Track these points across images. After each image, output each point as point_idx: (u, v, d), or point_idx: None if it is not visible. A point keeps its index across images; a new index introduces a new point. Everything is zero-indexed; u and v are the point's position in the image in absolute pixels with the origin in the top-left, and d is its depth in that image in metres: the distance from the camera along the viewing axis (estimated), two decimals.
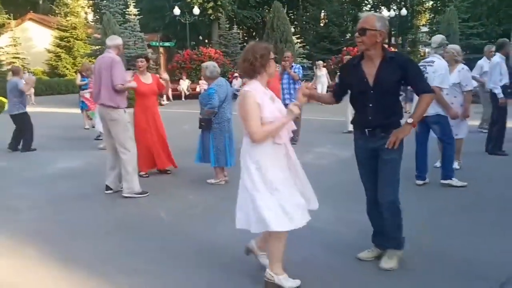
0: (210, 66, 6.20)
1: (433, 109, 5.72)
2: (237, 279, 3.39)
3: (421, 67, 5.79)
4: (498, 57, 7.77)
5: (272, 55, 3.15)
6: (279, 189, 3.01)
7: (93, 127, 10.22)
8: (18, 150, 9.34)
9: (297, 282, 3.20)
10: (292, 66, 9.26)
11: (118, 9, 24.28)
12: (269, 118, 3.00)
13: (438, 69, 5.79)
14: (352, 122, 3.59)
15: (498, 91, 7.65)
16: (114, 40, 5.97)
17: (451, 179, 5.94)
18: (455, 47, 6.74)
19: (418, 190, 5.86)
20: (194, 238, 4.29)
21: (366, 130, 3.39)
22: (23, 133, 9.42)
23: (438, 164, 6.80)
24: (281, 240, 3.11)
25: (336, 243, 4.05)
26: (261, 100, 3.01)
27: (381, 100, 3.28)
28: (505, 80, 7.72)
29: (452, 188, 5.85)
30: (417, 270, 3.54)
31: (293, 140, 9.32)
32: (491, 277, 3.37)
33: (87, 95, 10.61)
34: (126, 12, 24.48)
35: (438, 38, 6.09)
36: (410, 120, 3.28)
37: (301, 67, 9.65)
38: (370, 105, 3.31)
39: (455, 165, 6.43)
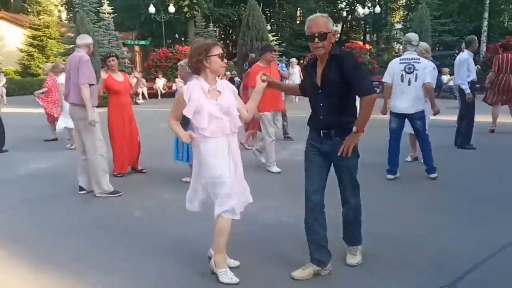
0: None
1: (421, 105, 5.99)
2: (210, 276, 3.43)
3: (406, 64, 5.97)
4: (466, 54, 7.97)
5: (215, 52, 3.21)
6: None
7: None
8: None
9: (235, 280, 3.27)
10: (278, 64, 9.40)
11: (92, 8, 23.96)
12: (187, 115, 3.22)
13: (426, 65, 6.05)
14: (308, 123, 3.49)
15: (465, 87, 7.85)
16: (84, 39, 5.92)
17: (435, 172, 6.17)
18: (423, 45, 6.90)
19: (389, 184, 6.00)
20: (167, 236, 4.32)
21: (321, 132, 3.30)
22: None
23: (409, 159, 7.00)
24: (222, 234, 3.24)
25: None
26: (188, 97, 3.20)
27: (330, 101, 3.21)
28: (473, 76, 7.93)
29: (424, 182, 6.04)
30: (392, 262, 3.65)
31: (288, 137, 9.57)
32: (460, 267, 3.50)
33: (41, 95, 10.43)
34: (100, 11, 24.19)
35: (417, 36, 6.27)
36: (355, 129, 3.17)
37: (284, 65, 9.82)
38: (321, 104, 3.28)
39: (408, 158, 7.02)
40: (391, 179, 6.16)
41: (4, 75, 23.43)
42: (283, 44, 30.23)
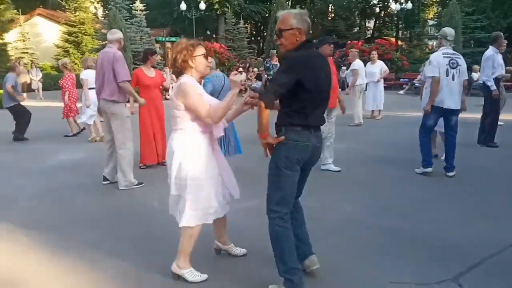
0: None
1: (459, 102, 5.98)
2: (225, 258, 3.54)
3: (450, 59, 5.89)
4: (491, 50, 7.84)
5: (199, 52, 3.21)
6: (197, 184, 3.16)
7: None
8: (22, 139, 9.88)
9: (204, 276, 3.31)
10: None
11: (125, 5, 24.49)
12: (210, 102, 3.19)
13: (464, 62, 6.05)
14: None
15: (491, 83, 7.74)
16: (115, 34, 6.03)
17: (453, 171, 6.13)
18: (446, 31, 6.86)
19: (405, 179, 6.01)
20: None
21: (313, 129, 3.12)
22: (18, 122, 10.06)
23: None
24: (192, 237, 3.26)
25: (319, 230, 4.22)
26: (195, 88, 3.16)
27: (282, 102, 3.03)
28: (498, 73, 7.79)
29: (439, 178, 6.05)
30: (395, 255, 3.71)
31: None
32: (465, 262, 3.52)
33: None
34: (133, 8, 24.69)
35: (452, 31, 6.18)
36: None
37: None
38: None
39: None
40: (429, 172, 6.16)
41: (41, 70, 24.22)
42: (314, 40, 30.09)
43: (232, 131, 6.23)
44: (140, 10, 24.53)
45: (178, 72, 3.27)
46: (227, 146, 6.11)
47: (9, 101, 10.02)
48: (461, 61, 5.95)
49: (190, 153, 3.16)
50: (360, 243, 3.99)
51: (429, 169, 6.16)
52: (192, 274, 3.31)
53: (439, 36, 6.28)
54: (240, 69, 22.60)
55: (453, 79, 5.89)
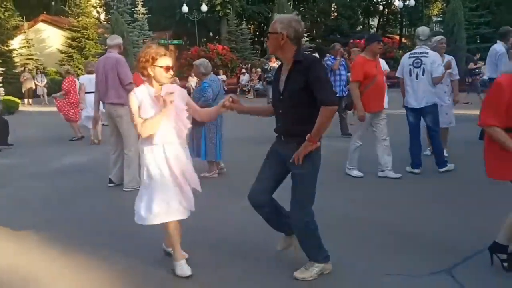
0: (204, 62, 6.49)
1: (431, 99, 6.02)
2: (225, 254, 3.65)
3: (414, 58, 6.01)
4: (501, 46, 7.57)
5: (161, 63, 3.22)
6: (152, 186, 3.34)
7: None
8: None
9: (188, 273, 3.41)
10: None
11: (126, 9, 24.68)
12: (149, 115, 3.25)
13: (435, 59, 6.05)
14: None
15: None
16: (114, 39, 6.22)
17: (447, 165, 6.18)
18: (444, 38, 6.90)
19: (403, 176, 6.06)
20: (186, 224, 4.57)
21: (282, 137, 3.25)
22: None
23: (428, 152, 6.99)
24: (168, 233, 3.47)
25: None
26: (140, 102, 3.25)
27: (290, 108, 3.09)
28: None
29: (437, 174, 6.11)
30: (387, 249, 3.81)
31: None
32: (457, 256, 3.60)
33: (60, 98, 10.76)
34: (135, 12, 24.86)
35: (426, 30, 6.26)
36: (308, 138, 2.99)
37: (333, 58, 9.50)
38: (280, 111, 3.20)
39: (445, 152, 6.61)
40: (417, 173, 6.18)
41: (45, 76, 24.43)
42: (318, 40, 30.15)
43: (207, 136, 6.34)
44: (142, 14, 24.74)
45: (142, 74, 3.35)
46: (195, 149, 6.31)
47: None
48: (427, 59, 5.94)
49: (147, 162, 3.33)
50: (357, 238, 4.09)
51: (417, 170, 6.20)
52: (179, 267, 3.45)
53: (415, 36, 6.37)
54: (243, 70, 22.73)
55: (416, 78, 5.97)
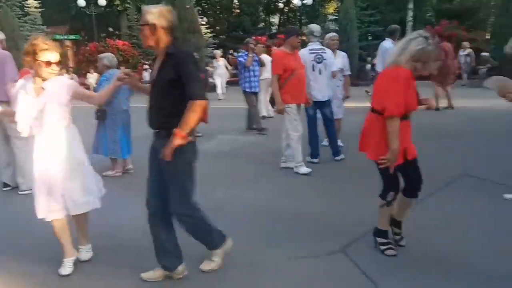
0: (109, 56, 6.49)
1: (331, 92, 6.50)
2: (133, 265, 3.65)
3: (316, 54, 6.32)
4: (390, 43, 8.18)
5: (43, 58, 3.16)
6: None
7: None
8: None
9: (68, 271, 3.43)
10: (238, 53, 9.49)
11: (16, 2, 23.05)
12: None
13: (331, 55, 6.51)
14: None
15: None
16: None
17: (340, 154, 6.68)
18: (336, 35, 7.37)
19: (309, 166, 6.35)
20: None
21: (154, 131, 3.15)
22: None
23: (325, 143, 7.42)
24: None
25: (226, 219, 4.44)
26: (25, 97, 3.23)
27: (159, 100, 3.01)
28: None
29: (336, 163, 6.55)
30: (284, 235, 4.03)
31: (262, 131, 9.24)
32: (350, 234, 3.97)
33: None
34: (25, 5, 23.32)
35: (317, 27, 6.64)
36: (174, 132, 2.88)
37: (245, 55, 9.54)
38: (151, 103, 3.09)
39: (339, 142, 7.10)
40: (315, 162, 6.54)
41: None
42: (222, 36, 30.31)
43: (107, 133, 6.26)
44: (34, 8, 23.23)
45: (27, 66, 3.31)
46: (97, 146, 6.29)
47: None
48: (327, 55, 6.39)
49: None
50: (265, 228, 4.27)
51: (316, 160, 6.59)
52: (66, 264, 3.47)
53: (307, 33, 6.74)
54: (146, 66, 22.22)
55: (319, 73, 6.34)
